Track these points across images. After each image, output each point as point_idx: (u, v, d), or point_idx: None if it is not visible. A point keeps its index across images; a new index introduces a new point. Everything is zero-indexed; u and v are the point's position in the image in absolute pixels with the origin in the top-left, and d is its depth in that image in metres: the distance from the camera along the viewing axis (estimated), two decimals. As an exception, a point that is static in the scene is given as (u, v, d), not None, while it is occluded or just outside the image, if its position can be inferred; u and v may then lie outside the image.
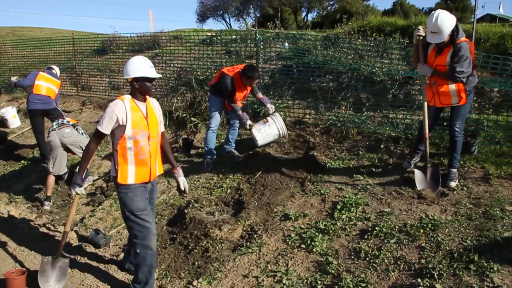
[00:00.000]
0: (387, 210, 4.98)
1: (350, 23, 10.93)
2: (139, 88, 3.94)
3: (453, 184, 5.30)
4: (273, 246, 4.71)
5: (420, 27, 5.25)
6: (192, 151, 7.67)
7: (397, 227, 4.60)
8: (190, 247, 4.96)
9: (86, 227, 5.94)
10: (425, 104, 5.31)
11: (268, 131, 6.36)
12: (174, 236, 5.26)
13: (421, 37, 5.19)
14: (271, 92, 8.61)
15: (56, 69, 8.67)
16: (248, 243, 4.80)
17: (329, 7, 41.87)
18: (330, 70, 8.25)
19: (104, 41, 13.08)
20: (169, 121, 8.78)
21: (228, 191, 6.13)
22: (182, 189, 4.41)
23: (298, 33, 11.37)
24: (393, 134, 6.56)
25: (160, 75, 4.47)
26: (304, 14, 43.21)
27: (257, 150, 6.84)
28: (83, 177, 4.14)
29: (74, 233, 5.78)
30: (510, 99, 6.77)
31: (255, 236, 4.93)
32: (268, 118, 6.46)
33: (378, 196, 5.32)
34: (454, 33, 4.98)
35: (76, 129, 6.74)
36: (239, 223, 5.18)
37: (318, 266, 4.27)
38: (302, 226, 4.92)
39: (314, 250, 4.47)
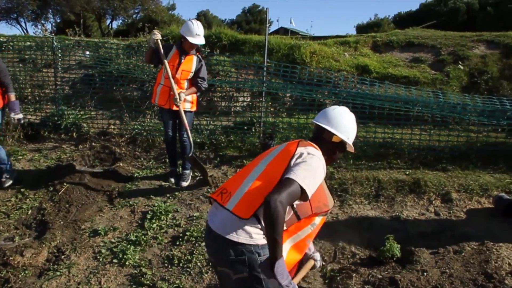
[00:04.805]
0: (196, 214, 5.16)
1: (154, 32, 10.97)
2: (334, 157, 2.83)
3: (184, 184, 5.87)
4: (83, 265, 4.48)
5: (155, 31, 5.55)
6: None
7: (207, 229, 4.78)
8: (-14, 281, 4.45)
9: None
10: (181, 108, 5.55)
11: None
12: (-35, 270, 4.65)
13: (159, 40, 5.48)
14: (73, 103, 8.21)
15: None
16: (56, 266, 4.48)
17: (134, 15, 41.35)
18: (134, 79, 8.20)
19: None
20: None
21: (29, 212, 5.63)
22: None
23: (100, 41, 11.01)
24: (198, 140, 6.80)
25: None
26: (108, 21, 41.95)
27: (58, 164, 6.44)
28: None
29: None
30: (299, 103, 7.57)
31: (62, 257, 4.62)
32: None
33: (186, 202, 5.48)
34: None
35: None
36: (43, 245, 4.81)
37: (132, 279, 4.20)
38: (113, 240, 4.79)
39: (127, 263, 4.38)
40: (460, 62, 9.43)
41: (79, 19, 33.62)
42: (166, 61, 5.39)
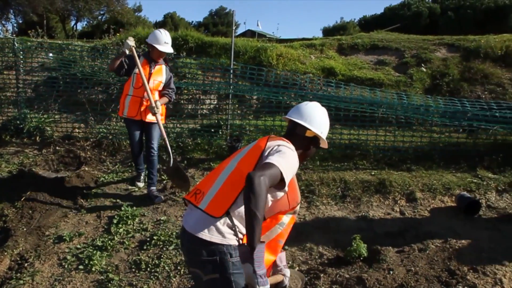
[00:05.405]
0: (164, 218, 5.13)
1: (119, 34, 10.90)
2: (308, 153, 2.80)
3: (159, 200, 5.57)
4: (48, 272, 4.38)
5: (130, 37, 5.35)
6: None
7: (174, 233, 4.76)
8: None
9: None
10: (159, 117, 5.37)
11: None
12: None
13: (133, 47, 5.29)
14: (36, 106, 8.03)
15: None
16: (19, 274, 4.36)
17: (100, 17, 40.73)
18: (99, 82, 8.09)
19: None
20: None
21: (-10, 219, 5.50)
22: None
23: (63, 42, 10.83)
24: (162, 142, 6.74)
25: None
26: (73, 23, 41.21)
27: (21, 169, 6.29)
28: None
29: None
30: (266, 105, 7.62)
31: (26, 265, 4.50)
32: None
33: (153, 206, 5.43)
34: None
35: None
36: (5, 253, 4.67)
37: (99, 285, 4.13)
38: (78, 246, 4.70)
39: (93, 269, 4.31)
40: (422, 65, 9.67)
41: (42, 20, 32.88)
42: (141, 69, 5.20)
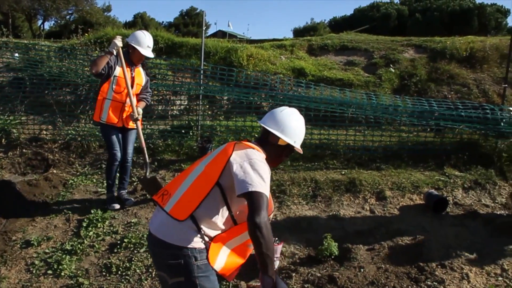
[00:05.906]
0: (134, 220, 5.08)
1: (87, 34, 10.75)
2: (279, 160, 2.75)
3: (131, 201, 5.45)
4: (15, 278, 4.29)
5: (118, 37, 5.02)
6: None
7: (145, 235, 4.72)
8: None
9: None
10: (139, 123, 5.24)
11: None
12: None
13: (120, 48, 5.00)
14: (1, 108, 7.83)
15: None
16: (-16, 281, 4.28)
17: (68, 16, 40.02)
18: (67, 83, 7.95)
19: None
20: None
21: (-46, 224, 5.34)
22: None
23: (30, 42, 10.62)
24: (135, 145, 6.63)
25: None
26: (40, 22, 40.37)
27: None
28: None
29: None
30: (237, 106, 7.62)
31: (-9, 271, 4.42)
32: None
33: (124, 208, 5.37)
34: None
35: None
36: (-30, 260, 4.57)
37: (68, 290, 4.08)
38: (47, 251, 4.62)
39: (63, 273, 4.25)
40: (391, 65, 9.83)
41: (7, 18, 32.19)
42: (127, 74, 4.97)
